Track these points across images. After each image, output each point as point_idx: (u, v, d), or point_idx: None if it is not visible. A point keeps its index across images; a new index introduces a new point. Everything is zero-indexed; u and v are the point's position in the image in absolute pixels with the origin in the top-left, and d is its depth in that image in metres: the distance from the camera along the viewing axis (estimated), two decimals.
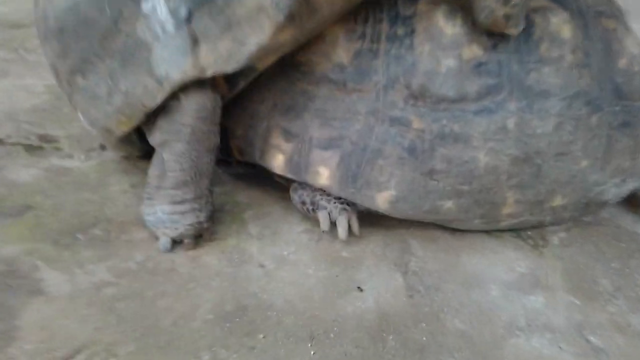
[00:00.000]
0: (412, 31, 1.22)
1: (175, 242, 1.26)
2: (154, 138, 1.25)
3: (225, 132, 1.43)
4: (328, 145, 1.27)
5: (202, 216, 1.26)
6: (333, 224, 1.30)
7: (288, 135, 1.31)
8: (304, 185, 1.35)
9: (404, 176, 1.22)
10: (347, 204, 1.31)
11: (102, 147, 1.63)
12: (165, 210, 1.24)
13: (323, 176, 1.27)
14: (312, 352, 1.03)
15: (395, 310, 1.14)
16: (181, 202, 1.24)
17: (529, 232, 1.44)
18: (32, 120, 1.74)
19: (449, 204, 1.25)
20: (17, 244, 1.21)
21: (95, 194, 1.42)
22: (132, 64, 1.16)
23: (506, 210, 1.29)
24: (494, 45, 1.21)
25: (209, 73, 1.14)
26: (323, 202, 1.31)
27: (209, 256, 1.25)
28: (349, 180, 1.25)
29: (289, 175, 1.32)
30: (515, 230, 1.43)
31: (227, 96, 1.31)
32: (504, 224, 1.34)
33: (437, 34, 1.21)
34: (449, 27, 1.20)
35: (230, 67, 1.15)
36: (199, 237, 1.28)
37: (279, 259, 1.26)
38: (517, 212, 1.30)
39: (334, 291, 1.18)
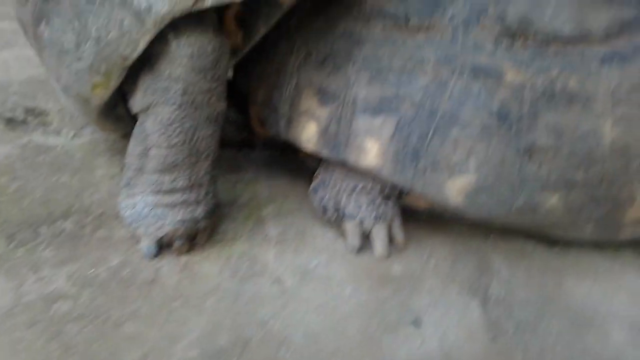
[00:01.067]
0: None
1: (163, 245, 1.05)
2: (135, 101, 1.02)
3: (246, 100, 1.26)
4: (379, 108, 1.03)
5: (199, 211, 1.04)
6: (367, 237, 1.11)
7: (324, 95, 1.09)
8: (327, 182, 1.13)
9: (489, 155, 0.98)
10: (388, 204, 1.09)
11: None
12: (148, 201, 1.02)
13: (370, 153, 1.02)
14: None
15: (471, 358, 0.90)
16: (170, 192, 1.02)
17: None
18: (24, 91, 1.59)
19: (553, 200, 0.99)
20: None
21: (75, 178, 1.23)
22: None
23: (633, 212, 1.03)
24: None
25: (209, 3, 0.91)
26: (351, 208, 1.08)
27: (208, 264, 1.04)
28: (407, 158, 1.00)
29: (323, 153, 1.08)
30: (636, 248, 1.17)
31: (242, 48, 1.10)
32: (626, 232, 1.08)
33: None
34: None
35: None
36: (193, 239, 1.06)
37: (303, 273, 1.04)
38: None
39: (380, 324, 0.94)
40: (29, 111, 1.46)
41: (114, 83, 0.99)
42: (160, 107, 0.97)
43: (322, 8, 1.11)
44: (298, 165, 1.28)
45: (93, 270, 0.98)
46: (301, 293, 0.99)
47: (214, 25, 0.99)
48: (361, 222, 1.08)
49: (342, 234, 1.13)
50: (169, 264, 1.02)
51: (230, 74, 1.28)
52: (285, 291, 0.99)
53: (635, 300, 1.04)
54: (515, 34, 1.00)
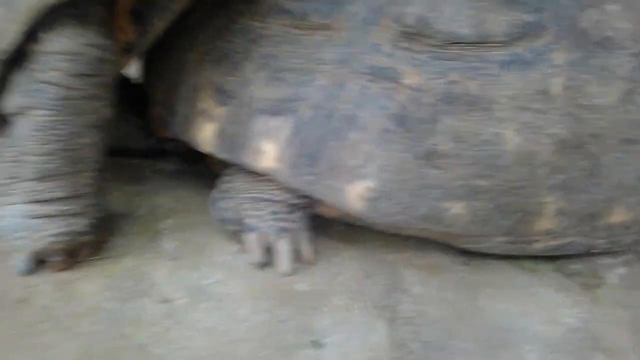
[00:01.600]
0: None
1: (39, 261, 0.95)
2: (8, 102, 0.93)
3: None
4: (277, 109, 0.99)
5: (80, 223, 0.96)
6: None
7: (222, 95, 1.04)
8: (228, 191, 1.08)
9: (389, 159, 0.95)
10: (293, 217, 1.04)
11: None
12: (22, 212, 0.93)
13: (268, 156, 0.98)
14: None
15: None
16: (47, 202, 0.93)
17: (575, 266, 1.13)
18: None
19: (457, 208, 0.97)
20: None
21: None
22: None
23: (543, 224, 1.01)
24: None
25: None
26: (253, 220, 1.02)
27: (87, 283, 0.95)
28: (305, 162, 0.96)
29: (221, 155, 1.03)
30: (555, 262, 1.13)
31: (136, 45, 1.01)
32: (538, 246, 1.06)
33: None
34: None
35: None
36: (74, 254, 0.97)
37: (196, 292, 0.96)
38: (559, 229, 1.04)
39: (275, 347, 0.87)
40: None
41: None
42: (35, 110, 0.89)
43: (223, 3, 1.06)
44: (207, 177, 1.20)
45: None
46: (191, 314, 0.91)
47: (97, 25, 0.92)
48: (263, 235, 1.03)
49: (244, 249, 1.05)
50: (44, 282, 0.93)
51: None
52: (173, 312, 0.91)
53: (551, 317, 1.00)
54: (413, 35, 0.97)
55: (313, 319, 0.93)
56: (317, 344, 0.87)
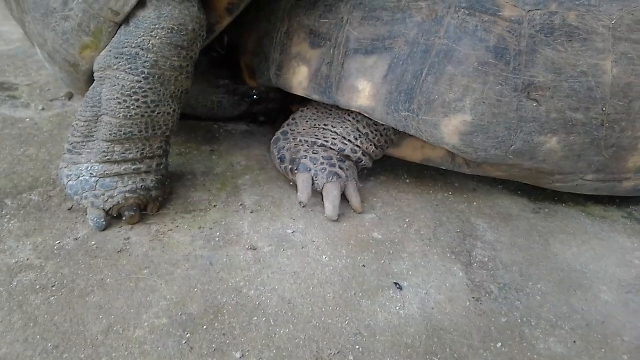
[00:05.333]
0: None
1: (112, 216, 0.94)
2: (100, 59, 0.90)
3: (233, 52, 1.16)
4: (372, 48, 0.94)
5: (150, 180, 0.94)
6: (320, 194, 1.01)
7: (316, 38, 0.99)
8: (290, 133, 1.05)
9: (486, 93, 0.90)
10: (344, 166, 1.00)
11: (69, 96, 1.31)
12: (94, 170, 0.92)
13: (363, 94, 0.94)
14: None
15: (453, 321, 0.82)
16: (119, 162, 0.92)
17: None
18: None
19: (552, 142, 0.92)
20: None
21: (42, 150, 1.12)
22: None
23: (635, 160, 0.96)
24: None
25: None
26: (307, 161, 0.99)
27: (180, 233, 0.93)
28: (400, 99, 0.91)
29: (315, 97, 0.99)
30: (625, 209, 1.09)
31: (238, 4, 0.97)
32: (628, 185, 1.00)
33: None
34: None
35: None
36: (144, 209, 0.96)
37: (280, 240, 0.94)
38: None
39: (358, 289, 0.86)
40: None
41: (104, 44, 0.90)
42: (123, 74, 0.87)
43: None
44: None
45: (59, 241, 0.89)
46: (277, 260, 0.89)
47: (198, 3, 0.90)
48: (315, 176, 0.99)
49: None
50: (139, 234, 0.92)
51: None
52: (261, 259, 0.89)
53: (625, 261, 0.96)
54: None
55: (392, 263, 0.90)
56: (397, 287, 0.85)
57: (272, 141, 1.07)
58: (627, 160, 0.95)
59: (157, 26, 0.86)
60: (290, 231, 0.95)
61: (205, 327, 0.76)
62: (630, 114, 0.90)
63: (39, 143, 1.14)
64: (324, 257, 0.91)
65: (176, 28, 0.86)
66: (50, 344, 0.72)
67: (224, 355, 0.72)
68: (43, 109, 1.27)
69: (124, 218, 0.93)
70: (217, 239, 0.93)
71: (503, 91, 0.89)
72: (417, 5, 0.92)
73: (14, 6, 1.02)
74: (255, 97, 1.22)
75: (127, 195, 0.92)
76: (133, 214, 0.93)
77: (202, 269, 0.87)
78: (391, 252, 0.93)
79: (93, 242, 0.90)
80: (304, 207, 0.97)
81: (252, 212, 1.00)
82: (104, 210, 0.92)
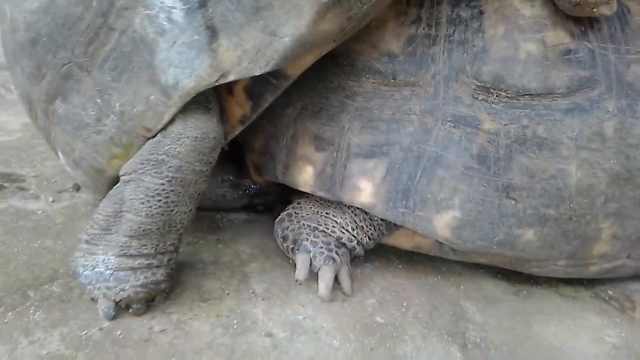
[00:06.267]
0: (480, 13, 1.05)
1: (121, 307, 0.98)
2: (127, 165, 0.97)
3: (238, 151, 1.26)
4: (371, 152, 1.04)
5: (160, 274, 0.98)
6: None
7: (320, 142, 1.09)
8: (294, 216, 1.15)
9: (471, 193, 1.00)
10: (340, 252, 1.10)
11: (77, 188, 1.37)
12: (110, 263, 0.96)
13: (364, 192, 1.03)
14: None
15: None
16: (134, 256, 0.96)
17: (610, 292, 1.20)
18: None
19: (529, 234, 1.02)
20: None
21: (58, 242, 1.15)
22: (129, 73, 0.92)
23: (599, 248, 1.06)
24: (582, 31, 1.04)
25: (232, 77, 0.90)
26: (307, 243, 1.09)
27: (199, 322, 0.99)
28: (398, 197, 1.01)
29: (320, 193, 1.07)
30: (592, 289, 1.20)
31: (250, 116, 1.06)
32: (594, 269, 1.10)
33: (513, 15, 1.04)
34: (526, 7, 1.04)
35: (258, 68, 0.90)
36: (152, 300, 0.99)
37: (293, 326, 1.00)
38: (612, 253, 1.08)
39: None
40: (5, 177, 1.38)
41: (132, 154, 0.96)
42: (149, 177, 0.93)
43: (315, 67, 1.09)
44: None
45: (86, 331, 0.93)
46: (293, 346, 0.95)
47: (217, 113, 0.98)
48: (313, 258, 1.08)
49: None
50: (160, 323, 0.96)
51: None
52: (277, 344, 0.95)
53: (596, 338, 1.05)
54: (489, 89, 1.03)
55: (397, 346, 0.97)
56: None
57: (277, 220, 1.15)
58: (593, 248, 1.05)
59: (183, 135, 0.92)
60: (301, 317, 1.01)
61: None
62: (593, 209, 1.01)
63: (54, 235, 1.18)
64: (335, 341, 0.97)
65: (199, 136, 0.93)
66: None
67: None
68: (53, 201, 1.30)
69: (131, 310, 0.97)
70: (235, 327, 0.98)
71: (486, 191, 0.99)
72: (409, 118, 1.02)
73: (40, 116, 1.07)
74: (256, 191, 1.31)
75: (138, 289, 0.96)
76: (140, 307, 0.98)
77: (225, 356, 0.91)
78: (394, 335, 0.99)
79: (118, 332, 0.93)
80: (300, 284, 1.06)
81: (263, 299, 1.05)
82: (114, 301, 0.96)
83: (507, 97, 1.03)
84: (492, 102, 1.03)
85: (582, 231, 1.03)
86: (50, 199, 1.33)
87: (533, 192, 1.00)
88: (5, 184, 1.38)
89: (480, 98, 1.03)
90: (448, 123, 1.03)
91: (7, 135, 1.69)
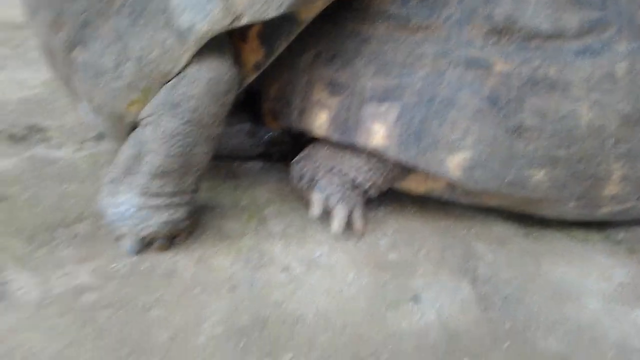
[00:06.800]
0: None
1: (144, 244, 1.04)
2: (145, 109, 1.00)
3: (255, 99, 1.27)
4: (385, 96, 1.05)
5: (181, 212, 1.03)
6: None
7: (334, 87, 1.10)
8: (312, 157, 1.16)
9: (483, 133, 1.01)
10: (354, 193, 1.12)
11: (98, 138, 1.41)
12: (133, 202, 1.00)
13: (377, 135, 1.04)
14: None
15: (466, 327, 0.93)
16: (156, 195, 1.00)
17: (620, 235, 1.21)
18: (21, 110, 1.56)
19: (539, 175, 1.03)
20: None
21: (83, 187, 1.22)
22: (146, 18, 0.93)
23: (610, 189, 1.07)
24: None
25: (245, 21, 0.91)
26: (323, 182, 1.10)
27: (220, 257, 1.04)
28: (411, 139, 1.02)
29: (334, 137, 1.09)
30: (603, 232, 1.21)
31: (264, 63, 1.07)
32: (604, 210, 1.10)
33: None
34: None
35: (271, 10, 0.90)
36: (174, 238, 1.05)
37: (309, 262, 1.05)
38: (623, 194, 1.08)
39: (383, 302, 0.96)
40: (30, 128, 1.43)
41: (150, 99, 0.98)
42: (167, 118, 0.95)
43: (330, 13, 1.10)
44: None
45: (114, 265, 0.98)
46: (309, 279, 0.99)
47: (232, 56, 0.99)
48: (327, 198, 1.10)
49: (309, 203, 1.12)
50: (184, 258, 1.01)
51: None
52: (294, 278, 0.99)
53: (606, 277, 1.07)
54: (501, 31, 1.03)
55: (409, 281, 1.00)
56: (416, 300, 0.96)
57: (294, 161, 1.17)
58: (603, 189, 1.06)
59: (198, 77, 0.94)
60: (317, 254, 1.06)
61: (256, 335, 0.86)
62: (604, 150, 1.02)
63: (79, 180, 1.23)
64: (349, 276, 1.01)
65: (214, 78, 0.95)
66: (123, 352, 0.81)
67: (277, 356, 0.82)
68: (76, 150, 1.37)
69: (154, 246, 1.01)
70: (254, 262, 1.03)
71: (497, 132, 1.00)
72: (422, 62, 1.04)
73: (60, 65, 1.09)
74: (272, 140, 1.33)
75: (161, 226, 1.00)
76: (163, 243, 1.03)
77: (245, 287, 0.96)
78: (406, 271, 1.03)
79: (144, 266, 0.99)
80: (314, 221, 1.09)
81: (280, 239, 1.10)
82: (138, 238, 1.01)
83: (519, 39, 1.02)
84: (504, 45, 1.03)
85: (592, 172, 1.04)
86: (73, 148, 1.39)
87: (544, 133, 1.00)
88: (30, 135, 1.44)
89: (492, 40, 1.03)
90: (460, 66, 1.03)
91: (29, 90, 1.74)
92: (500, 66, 1.02)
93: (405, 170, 1.13)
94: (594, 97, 1.00)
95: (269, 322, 0.90)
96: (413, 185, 1.14)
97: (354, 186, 1.10)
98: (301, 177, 1.13)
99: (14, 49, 2.15)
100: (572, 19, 1.02)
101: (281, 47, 1.03)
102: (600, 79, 1.01)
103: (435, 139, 1.01)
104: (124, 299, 0.91)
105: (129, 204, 1.00)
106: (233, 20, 0.90)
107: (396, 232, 1.12)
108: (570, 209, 1.09)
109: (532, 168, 1.02)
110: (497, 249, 1.12)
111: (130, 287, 0.94)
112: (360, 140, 1.06)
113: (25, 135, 1.41)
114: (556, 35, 1.02)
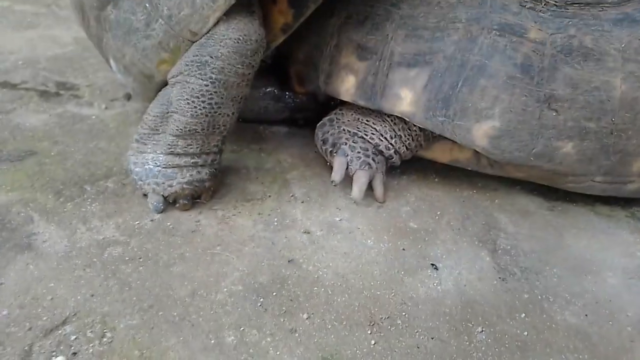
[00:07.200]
0: None
1: (169, 202, 1.05)
2: (174, 69, 1.00)
3: (281, 65, 1.26)
4: (414, 61, 1.03)
5: (204, 172, 1.04)
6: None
7: (363, 51, 1.08)
8: (336, 121, 1.15)
9: (513, 102, 0.99)
10: (377, 159, 1.11)
11: (127, 97, 1.42)
12: (159, 161, 1.02)
13: (405, 101, 1.03)
14: (372, 342, 0.82)
15: (483, 296, 0.92)
16: (181, 155, 1.02)
17: None
18: (52, 67, 1.57)
19: (567, 147, 1.01)
20: (11, 192, 1.05)
21: (112, 144, 1.23)
22: None
23: (639, 165, 1.03)
24: None
25: None
26: (346, 147, 1.09)
27: (242, 218, 1.04)
28: (438, 105, 1.01)
29: (360, 102, 1.08)
30: (628, 209, 1.18)
31: (292, 25, 1.06)
32: (631, 187, 1.08)
33: None
34: None
35: None
36: (198, 197, 1.06)
37: (329, 226, 1.05)
38: None
39: (401, 268, 0.96)
40: (60, 85, 1.44)
41: (179, 58, 0.99)
42: (194, 78, 0.96)
43: None
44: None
45: (139, 221, 0.99)
46: (329, 242, 0.99)
47: (259, 18, 0.98)
48: (350, 162, 1.09)
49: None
50: (207, 218, 1.02)
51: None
52: (315, 240, 0.99)
53: (628, 252, 1.05)
54: None
55: (428, 248, 1.00)
56: (434, 267, 0.96)
57: (319, 125, 1.16)
58: (632, 165, 1.03)
59: (225, 37, 0.94)
60: (337, 219, 1.05)
61: (274, 294, 0.87)
62: (636, 124, 0.99)
63: (108, 137, 1.25)
64: (369, 241, 1.01)
65: (242, 38, 0.94)
66: (145, 304, 0.82)
67: (293, 315, 0.83)
68: (106, 108, 1.37)
69: (178, 204, 1.03)
70: (275, 224, 1.03)
71: (527, 101, 0.98)
72: (455, 26, 1.01)
73: (92, 23, 1.10)
74: (297, 105, 1.33)
75: (185, 185, 1.02)
76: (187, 202, 1.03)
77: (266, 247, 0.97)
78: (426, 239, 1.03)
79: (168, 223, 1.00)
80: (335, 185, 1.08)
81: (302, 202, 1.10)
82: (162, 196, 1.02)
83: (556, 5, 1.00)
84: (540, 11, 1.00)
85: (622, 147, 1.01)
86: (103, 106, 1.40)
87: (575, 103, 0.98)
88: (61, 92, 1.45)
89: (528, 6, 1.01)
90: (494, 31, 1.00)
91: (60, 48, 1.75)
92: (534, 33, 0.99)
93: (430, 138, 1.12)
94: (629, 68, 0.97)
95: (287, 282, 0.90)
96: (438, 154, 1.13)
97: (377, 152, 1.10)
98: (324, 141, 1.12)
99: (46, 6, 2.16)
100: None
101: (310, 9, 1.02)
102: (637, 49, 0.98)
103: (463, 107, 0.99)
104: (147, 255, 0.93)
105: (154, 163, 1.01)
106: None
107: (418, 200, 1.11)
108: (597, 184, 1.07)
109: (560, 140, 1.00)
110: (519, 221, 1.11)
111: (153, 243, 0.95)
112: (387, 105, 1.04)
113: (56, 93, 1.43)
114: (594, 2, 0.98)
